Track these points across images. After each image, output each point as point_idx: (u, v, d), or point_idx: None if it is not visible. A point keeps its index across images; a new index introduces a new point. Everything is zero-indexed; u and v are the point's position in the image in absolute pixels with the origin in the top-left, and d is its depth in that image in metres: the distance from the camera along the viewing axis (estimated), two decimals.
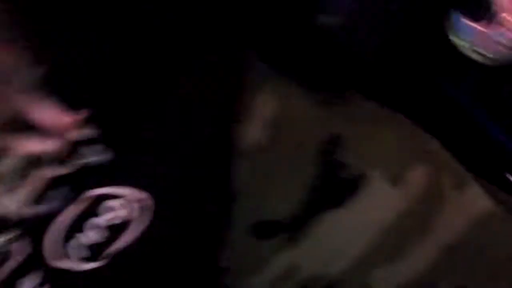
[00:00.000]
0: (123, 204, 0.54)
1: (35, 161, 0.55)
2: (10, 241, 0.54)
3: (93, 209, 0.54)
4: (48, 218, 0.54)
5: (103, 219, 0.54)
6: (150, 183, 0.55)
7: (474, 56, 0.62)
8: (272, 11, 0.62)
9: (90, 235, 0.54)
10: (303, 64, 0.62)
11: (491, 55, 0.62)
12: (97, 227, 0.54)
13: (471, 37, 0.62)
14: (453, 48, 0.62)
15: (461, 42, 0.62)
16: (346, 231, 0.59)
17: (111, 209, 0.54)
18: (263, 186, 0.59)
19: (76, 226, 0.54)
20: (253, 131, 0.60)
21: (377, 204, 0.59)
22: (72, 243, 0.54)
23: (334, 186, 0.59)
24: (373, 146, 0.60)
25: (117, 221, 0.54)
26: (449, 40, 0.62)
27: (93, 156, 0.55)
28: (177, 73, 0.58)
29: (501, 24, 0.62)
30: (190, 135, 0.57)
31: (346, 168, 0.59)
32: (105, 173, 0.54)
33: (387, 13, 0.60)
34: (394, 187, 0.59)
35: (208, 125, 0.58)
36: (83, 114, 0.55)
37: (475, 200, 0.61)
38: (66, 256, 0.54)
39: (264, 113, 0.60)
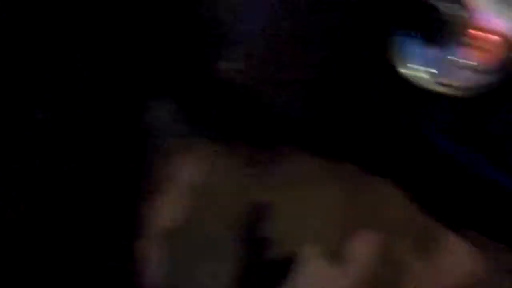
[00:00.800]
0: None
1: None
2: None
3: None
4: None
5: None
6: None
7: (439, 88, 0.49)
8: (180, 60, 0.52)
9: None
10: (222, 119, 0.51)
11: (459, 84, 0.49)
12: None
13: (429, 65, 0.48)
14: (407, 82, 0.49)
15: (417, 74, 0.49)
16: None
17: None
18: (183, 279, 0.50)
19: None
20: (170, 206, 0.50)
21: None
22: None
23: (262, 272, 0.48)
24: (306, 214, 0.48)
25: None
26: (398, 72, 0.49)
27: None
28: None
29: (466, 43, 0.48)
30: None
31: (274, 246, 0.48)
32: None
33: (308, 59, 0.48)
34: (334, 266, 0.47)
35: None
36: None
37: (447, 269, 0.48)
38: None
39: (183, 182, 0.51)
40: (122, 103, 0.51)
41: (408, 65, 0.48)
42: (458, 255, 0.49)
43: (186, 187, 0.50)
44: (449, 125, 0.50)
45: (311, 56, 0.47)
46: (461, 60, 0.48)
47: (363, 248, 0.47)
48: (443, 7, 0.47)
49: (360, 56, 0.48)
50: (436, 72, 0.48)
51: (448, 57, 0.48)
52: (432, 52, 0.48)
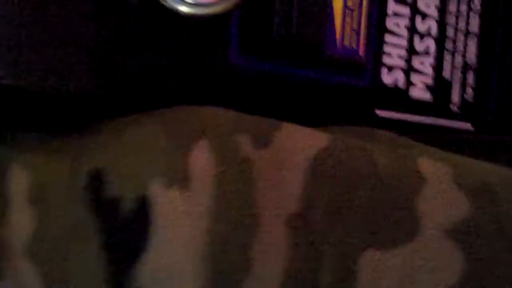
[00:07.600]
0: None
1: None
2: None
3: None
4: None
5: None
6: None
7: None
8: None
9: None
10: None
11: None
12: None
13: None
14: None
15: None
16: None
17: None
18: None
19: None
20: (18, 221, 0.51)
21: None
22: None
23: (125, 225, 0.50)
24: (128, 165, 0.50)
25: None
26: None
27: None
28: None
29: None
30: None
31: (122, 201, 0.50)
32: None
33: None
34: (182, 189, 0.49)
35: None
36: None
37: (290, 148, 0.50)
38: None
39: (19, 191, 0.51)
40: None
41: None
42: (300, 135, 0.50)
43: (24, 197, 0.51)
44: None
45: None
46: None
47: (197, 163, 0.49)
48: None
49: None
50: None
51: None
52: None
